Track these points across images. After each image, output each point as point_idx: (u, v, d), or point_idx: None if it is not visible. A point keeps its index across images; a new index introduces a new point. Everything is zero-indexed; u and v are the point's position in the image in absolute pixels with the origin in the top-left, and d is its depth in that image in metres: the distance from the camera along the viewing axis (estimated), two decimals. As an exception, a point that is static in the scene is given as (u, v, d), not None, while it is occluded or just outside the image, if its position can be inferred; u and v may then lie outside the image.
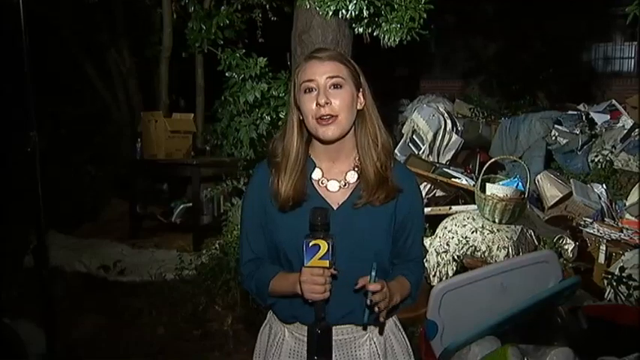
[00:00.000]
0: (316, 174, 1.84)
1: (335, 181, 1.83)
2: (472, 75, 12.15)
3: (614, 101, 8.38)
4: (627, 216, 5.39)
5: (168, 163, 6.54)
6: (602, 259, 4.45)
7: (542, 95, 11.06)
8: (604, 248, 4.49)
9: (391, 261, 1.87)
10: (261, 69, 6.69)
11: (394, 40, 5.79)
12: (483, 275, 2.85)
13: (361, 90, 1.84)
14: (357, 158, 1.84)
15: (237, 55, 6.95)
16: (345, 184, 1.83)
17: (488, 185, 4.14)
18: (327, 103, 1.74)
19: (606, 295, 4.00)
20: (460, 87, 11.71)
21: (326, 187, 1.83)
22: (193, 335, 4.33)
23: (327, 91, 1.76)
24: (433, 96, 10.09)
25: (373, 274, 1.67)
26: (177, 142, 6.57)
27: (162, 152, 6.52)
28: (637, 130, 7.39)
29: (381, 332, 1.86)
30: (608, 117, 8.12)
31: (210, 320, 4.52)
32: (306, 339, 1.74)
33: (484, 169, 4.28)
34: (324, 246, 1.63)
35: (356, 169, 1.84)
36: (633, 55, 11.89)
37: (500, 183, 4.18)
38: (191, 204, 6.45)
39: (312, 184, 1.83)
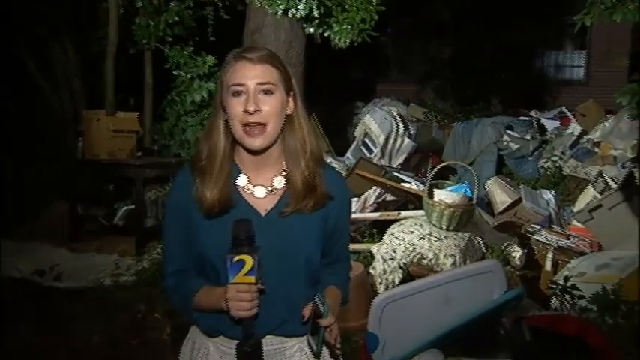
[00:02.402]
0: (242, 180, 1.73)
1: (262, 187, 1.73)
2: (427, 79, 12.20)
3: (564, 108, 8.50)
4: (574, 223, 5.40)
5: (111, 164, 6.29)
6: (548, 266, 4.43)
7: (496, 101, 11.17)
8: (551, 256, 4.46)
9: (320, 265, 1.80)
10: (209, 68, 6.54)
11: (345, 41, 5.72)
12: (426, 286, 2.74)
13: (291, 94, 1.73)
14: (284, 164, 1.74)
15: (186, 53, 6.78)
16: (272, 190, 1.73)
17: (436, 191, 4.07)
18: (256, 111, 1.63)
19: (552, 303, 3.97)
20: (415, 91, 11.73)
21: (252, 193, 1.72)
22: (130, 344, 4.13)
23: (257, 97, 1.64)
24: (388, 99, 10.08)
25: (323, 308, 1.60)
26: (120, 142, 6.34)
27: (105, 152, 6.28)
28: (585, 137, 7.48)
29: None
30: (559, 123, 8.23)
31: (149, 328, 4.33)
32: (231, 351, 1.66)
33: (432, 174, 4.20)
34: (249, 261, 1.53)
35: (283, 174, 1.74)
36: (583, 64, 12.10)
37: (449, 189, 4.11)
38: (134, 206, 6.22)
39: (238, 190, 1.72)
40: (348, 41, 5.64)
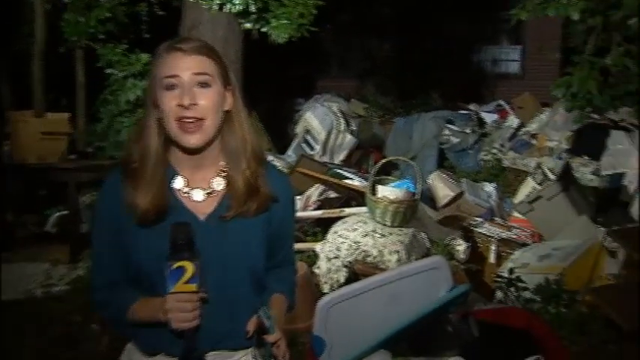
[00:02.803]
0: (178, 183, 1.60)
1: (200, 190, 1.60)
2: (367, 74, 12.20)
3: (502, 101, 8.62)
4: (515, 214, 5.46)
5: (41, 168, 5.98)
6: (492, 258, 4.45)
7: (436, 95, 11.26)
8: (494, 248, 4.49)
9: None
10: (144, 66, 6.30)
11: (283, 36, 5.61)
12: (372, 285, 2.66)
13: (229, 88, 1.60)
14: (223, 164, 1.62)
15: (119, 50, 6.53)
16: (211, 193, 1.60)
17: (379, 187, 4.00)
18: (192, 105, 1.50)
19: (496, 295, 3.98)
20: (356, 86, 11.70)
21: (190, 196, 1.59)
22: (64, 358, 3.91)
23: (193, 90, 1.51)
24: (329, 95, 10.01)
25: (268, 323, 1.51)
26: (50, 145, 6.02)
27: (34, 156, 5.95)
28: (523, 129, 7.60)
29: None
30: (497, 116, 8.34)
31: (85, 340, 4.11)
32: None
33: (374, 170, 4.13)
34: (189, 268, 1.42)
35: (223, 174, 1.61)
36: (518, 58, 12.33)
37: (391, 185, 4.05)
38: (68, 212, 5.94)
39: (174, 193, 1.58)
40: (286, 37, 5.53)
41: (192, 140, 1.52)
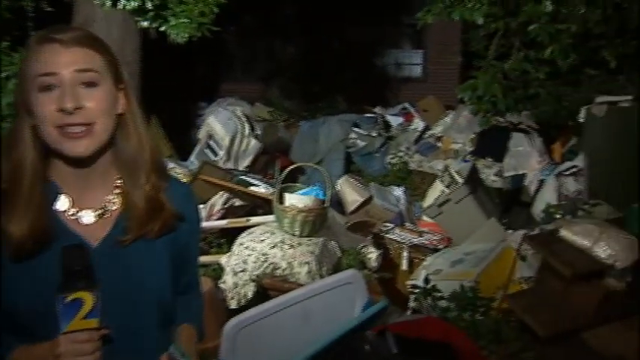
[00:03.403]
0: (62, 203, 1.30)
1: (90, 211, 1.32)
2: (272, 77, 12.03)
3: (407, 104, 8.65)
4: (425, 218, 5.41)
5: None
6: (405, 265, 4.34)
7: (341, 98, 11.23)
8: (406, 254, 4.38)
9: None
10: (28, 66, 5.79)
11: (183, 36, 5.29)
12: (283, 305, 2.43)
13: (122, 87, 1.32)
14: (117, 179, 1.34)
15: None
16: (104, 213, 1.32)
17: (286, 196, 3.78)
18: (77, 109, 1.21)
19: (411, 304, 3.87)
20: (261, 90, 11.50)
21: (78, 219, 1.31)
22: None
23: (76, 91, 1.22)
24: (233, 99, 9.74)
25: None
26: None
27: None
28: (429, 132, 7.64)
29: None
30: (402, 119, 8.35)
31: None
32: None
33: (281, 177, 3.90)
34: (88, 299, 1.14)
35: (117, 191, 1.34)
36: (421, 62, 12.53)
37: (300, 192, 3.85)
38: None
39: (58, 216, 1.29)
40: (186, 36, 5.20)
41: (79, 148, 1.23)
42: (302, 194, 3.81)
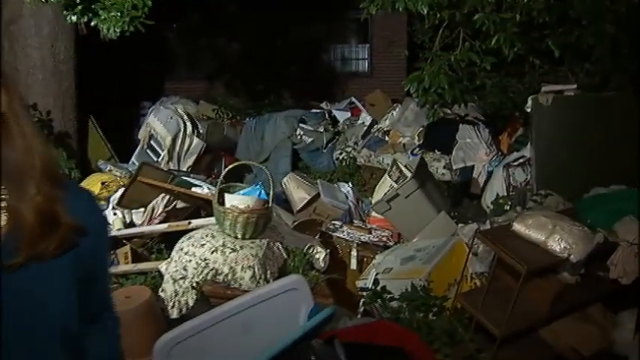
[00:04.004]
0: None
1: None
2: (217, 75, 11.78)
3: (354, 99, 8.52)
4: (374, 214, 5.27)
5: None
6: (354, 264, 4.18)
7: (287, 94, 11.07)
8: (355, 253, 4.22)
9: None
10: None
11: (115, 30, 5.00)
12: (219, 317, 2.25)
13: (1, 82, 1.11)
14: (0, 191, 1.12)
15: None
16: None
17: (227, 196, 3.56)
18: None
19: (361, 306, 3.71)
20: (206, 88, 11.23)
21: None
22: None
23: None
24: (177, 97, 9.44)
25: None
26: None
27: None
28: (376, 126, 7.53)
29: None
30: (349, 114, 8.22)
31: None
32: None
33: (222, 177, 3.67)
34: None
35: (1, 205, 1.11)
36: (367, 56, 12.48)
37: (241, 192, 3.63)
38: None
39: None
40: (118, 31, 4.91)
41: None
42: (244, 194, 3.60)
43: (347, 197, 5.64)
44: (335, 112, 8.27)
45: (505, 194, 5.58)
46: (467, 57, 5.28)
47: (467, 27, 5.41)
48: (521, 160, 5.69)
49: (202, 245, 3.47)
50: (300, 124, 7.73)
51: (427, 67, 5.25)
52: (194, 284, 3.38)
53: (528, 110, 5.15)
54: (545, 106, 5.03)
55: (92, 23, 5.08)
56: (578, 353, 3.50)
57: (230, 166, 3.67)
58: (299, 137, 7.62)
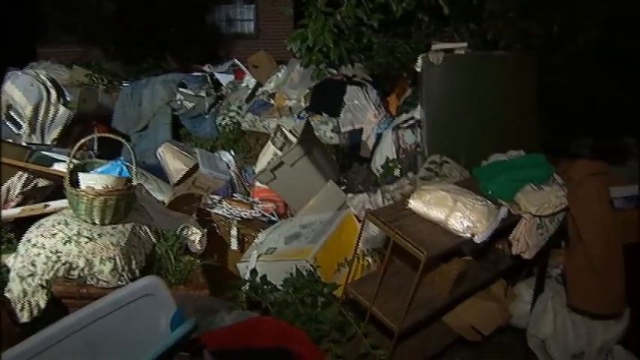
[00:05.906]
0: None
1: None
2: (91, 38, 10.95)
3: (236, 60, 8.03)
4: (257, 184, 4.89)
5: None
6: (234, 244, 3.79)
7: (169, 58, 10.45)
8: (235, 232, 3.83)
9: None
10: None
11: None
12: (56, 337, 1.82)
13: None
14: None
15: None
16: None
17: (81, 175, 3.06)
18: None
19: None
20: (81, 52, 10.40)
21: None
22: None
23: None
24: (48, 62, 8.59)
25: None
26: None
27: None
28: (261, 89, 7.11)
29: None
30: (233, 77, 7.74)
31: None
32: None
33: (73, 152, 3.13)
34: None
35: None
36: (252, 17, 12.07)
37: (99, 170, 3.14)
38: None
39: None
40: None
41: None
42: (101, 172, 3.10)
43: (228, 167, 5.22)
44: (217, 75, 7.75)
45: (395, 157, 5.38)
46: (353, 14, 4.98)
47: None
48: (410, 122, 5.48)
49: (53, 235, 2.97)
50: (180, 89, 7.18)
51: (311, 25, 4.91)
52: (44, 282, 2.89)
53: (418, 70, 4.91)
54: (435, 65, 4.81)
55: None
56: (479, 333, 3.34)
57: (82, 140, 3.12)
58: (179, 103, 7.07)
